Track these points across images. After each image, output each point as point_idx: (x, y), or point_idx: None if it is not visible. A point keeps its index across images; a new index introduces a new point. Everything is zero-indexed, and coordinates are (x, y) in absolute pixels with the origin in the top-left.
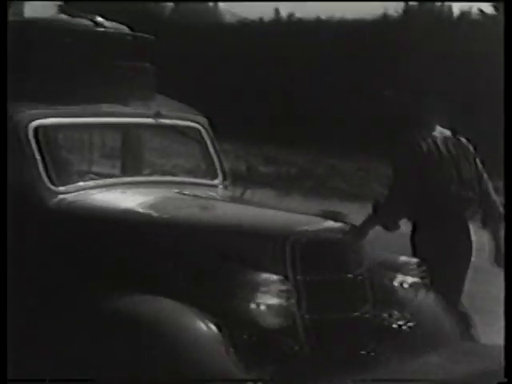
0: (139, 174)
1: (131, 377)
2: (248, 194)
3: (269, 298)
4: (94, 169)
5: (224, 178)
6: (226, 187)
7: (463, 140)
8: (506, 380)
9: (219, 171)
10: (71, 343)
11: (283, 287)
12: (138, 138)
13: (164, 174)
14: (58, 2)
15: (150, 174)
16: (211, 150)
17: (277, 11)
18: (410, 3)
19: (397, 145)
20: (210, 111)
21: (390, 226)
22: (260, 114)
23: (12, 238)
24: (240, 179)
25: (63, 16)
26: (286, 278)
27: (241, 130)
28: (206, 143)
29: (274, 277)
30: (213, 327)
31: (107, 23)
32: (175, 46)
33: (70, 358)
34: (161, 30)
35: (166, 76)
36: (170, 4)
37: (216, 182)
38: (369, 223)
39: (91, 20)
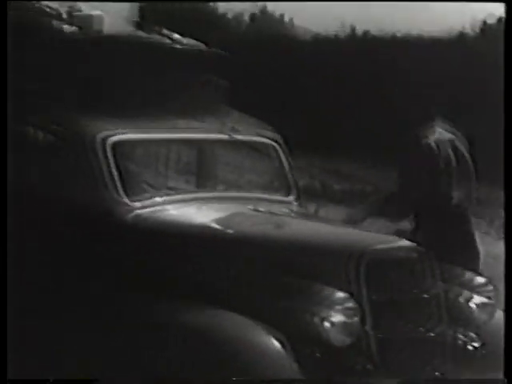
0: (214, 189)
1: None
2: (322, 211)
3: (334, 315)
4: (170, 184)
5: (298, 195)
6: (299, 204)
7: (460, 142)
8: (505, 380)
9: (293, 188)
10: (139, 357)
11: (349, 305)
12: (212, 154)
13: (238, 189)
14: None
15: (225, 190)
16: (285, 166)
17: (352, 28)
18: (488, 22)
19: (410, 146)
20: (284, 127)
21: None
22: (335, 130)
23: (87, 251)
24: (314, 196)
25: (141, 32)
26: (352, 295)
27: (315, 146)
28: (280, 159)
29: (341, 294)
30: (277, 343)
31: (184, 40)
32: (251, 62)
33: (138, 370)
34: (237, 45)
35: (242, 92)
36: (246, 19)
37: (290, 198)
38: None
39: (168, 36)
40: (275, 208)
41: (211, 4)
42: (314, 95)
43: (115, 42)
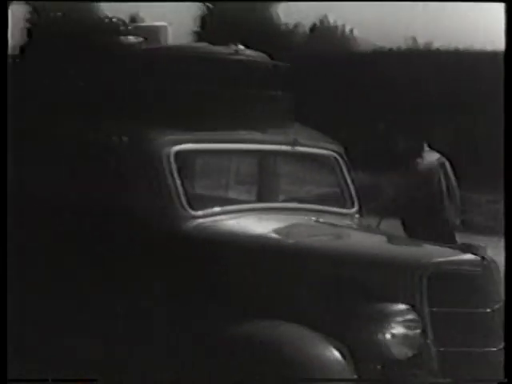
0: (274, 200)
1: None
2: (384, 223)
3: (395, 327)
4: (231, 194)
5: (359, 208)
6: (361, 216)
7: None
8: (506, 380)
9: (355, 200)
10: (196, 367)
11: (410, 317)
12: (273, 165)
13: (299, 201)
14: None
15: (286, 201)
16: (347, 178)
17: (414, 40)
18: None
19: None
20: (346, 140)
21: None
22: (396, 143)
23: (146, 258)
24: (376, 208)
25: (205, 44)
26: (414, 307)
27: (377, 159)
28: (342, 172)
29: (402, 306)
30: (338, 353)
31: (247, 51)
32: (311, 73)
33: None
34: (298, 57)
35: (304, 104)
36: (306, 31)
37: (352, 210)
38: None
39: (232, 48)
40: (336, 220)
41: (273, 14)
42: (377, 107)
43: (179, 52)
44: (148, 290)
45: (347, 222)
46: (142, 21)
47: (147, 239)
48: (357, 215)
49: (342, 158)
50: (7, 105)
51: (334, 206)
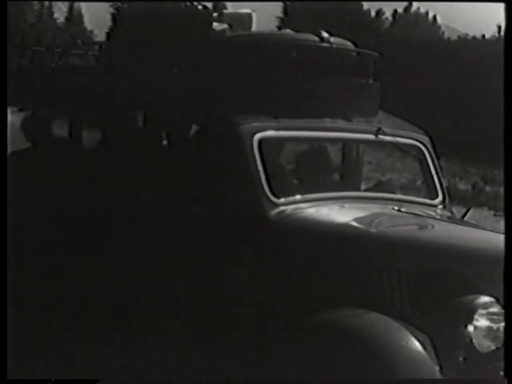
0: (357, 189)
1: None
2: (470, 214)
3: (478, 319)
4: (313, 182)
5: (444, 198)
6: (445, 207)
7: None
8: (506, 380)
9: (439, 191)
10: (277, 355)
11: (494, 310)
12: (357, 153)
13: (382, 190)
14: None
15: (368, 190)
16: (432, 169)
17: (499, 28)
18: None
19: None
20: (433, 128)
21: None
22: (479, 132)
23: (227, 242)
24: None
25: (289, 31)
26: (498, 300)
27: (458, 148)
28: (427, 162)
29: (486, 298)
30: (419, 344)
31: (332, 39)
32: (395, 61)
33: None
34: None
35: (390, 92)
36: (389, 18)
37: (436, 201)
38: None
39: (317, 35)
40: (419, 210)
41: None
42: (463, 95)
43: (264, 40)
44: (227, 278)
45: (430, 212)
46: (226, 8)
47: (230, 226)
48: (440, 206)
49: (426, 147)
50: (7, 105)
51: (418, 196)
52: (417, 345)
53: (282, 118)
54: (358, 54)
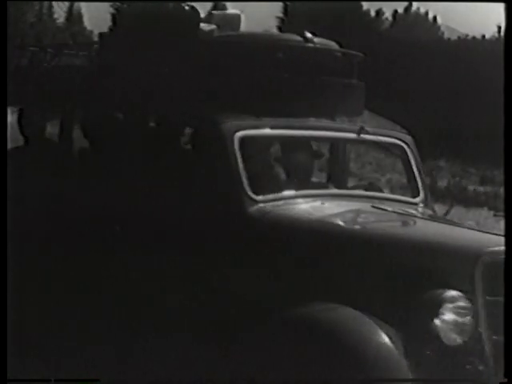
0: (343, 187)
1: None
2: (453, 213)
3: (445, 313)
4: (293, 180)
5: (426, 197)
6: (426, 205)
7: None
8: (506, 380)
9: (421, 189)
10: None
11: (461, 304)
12: (344, 152)
13: (364, 188)
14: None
15: (350, 188)
16: (414, 168)
17: (499, 28)
18: None
19: None
20: (433, 128)
21: None
22: (479, 132)
23: (212, 240)
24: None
25: (274, 31)
26: (466, 294)
27: (458, 148)
28: (409, 161)
29: (453, 292)
30: (387, 338)
31: (316, 39)
32: (392, 61)
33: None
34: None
35: (390, 92)
36: (388, 18)
37: (417, 200)
38: None
39: (301, 35)
40: (401, 208)
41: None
42: (461, 96)
43: (249, 40)
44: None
45: (412, 210)
46: (224, 8)
47: (210, 222)
48: (421, 204)
49: (409, 146)
50: (7, 105)
51: (400, 194)
52: (386, 339)
53: (265, 117)
54: (343, 54)
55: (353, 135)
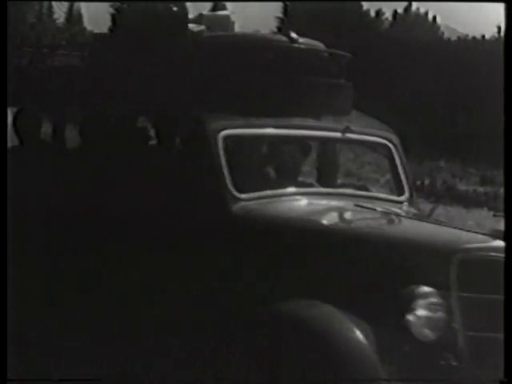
0: (328, 186)
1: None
2: (439, 211)
3: (418, 309)
4: (278, 179)
5: (410, 195)
6: (411, 204)
7: None
8: (506, 380)
9: (406, 188)
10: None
11: (434, 300)
12: (333, 152)
13: (347, 186)
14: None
15: (334, 187)
16: (399, 167)
17: (499, 28)
18: None
19: None
20: (433, 128)
21: None
22: (479, 133)
23: (195, 237)
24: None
25: (261, 32)
26: (439, 291)
27: (458, 148)
28: (394, 160)
29: (426, 289)
30: (361, 334)
31: (303, 40)
32: (395, 62)
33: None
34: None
35: (390, 92)
36: (388, 18)
37: (402, 198)
38: None
39: (287, 36)
40: (384, 206)
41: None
42: (461, 96)
43: (237, 40)
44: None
45: (395, 208)
46: (224, 8)
47: (201, 217)
48: (406, 203)
49: (394, 146)
50: (7, 104)
51: (384, 192)
52: (360, 336)
53: (250, 116)
54: (330, 54)
55: (338, 134)
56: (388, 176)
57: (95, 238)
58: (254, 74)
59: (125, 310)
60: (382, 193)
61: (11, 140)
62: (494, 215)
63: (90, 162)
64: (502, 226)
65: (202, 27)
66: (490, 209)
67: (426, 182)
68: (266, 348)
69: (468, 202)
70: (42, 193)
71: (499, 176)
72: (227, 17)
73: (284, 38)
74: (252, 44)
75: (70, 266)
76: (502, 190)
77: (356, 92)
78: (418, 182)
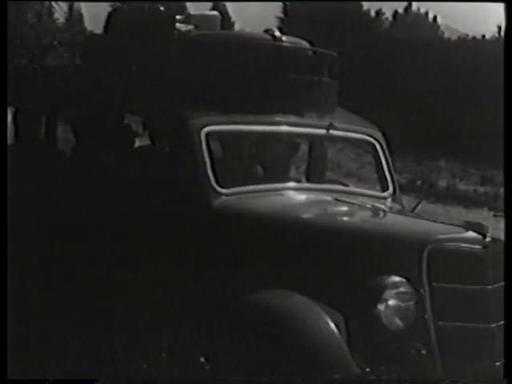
0: (310, 181)
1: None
2: (423, 207)
3: (388, 299)
4: (261, 174)
5: (394, 191)
6: (394, 199)
7: None
8: (505, 380)
9: (390, 184)
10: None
11: (404, 289)
12: (322, 149)
13: (330, 182)
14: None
15: (317, 182)
16: (384, 163)
17: (499, 28)
18: None
19: None
20: (432, 128)
21: None
22: (479, 133)
23: (177, 230)
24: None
25: (245, 30)
26: (409, 280)
27: (458, 148)
28: (379, 156)
29: (396, 278)
30: (332, 323)
31: (287, 38)
32: (395, 61)
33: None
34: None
35: (389, 92)
36: (388, 18)
37: (386, 193)
38: None
39: (270, 34)
40: (366, 201)
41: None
42: (461, 96)
43: (221, 39)
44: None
45: (378, 204)
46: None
47: (184, 212)
48: (389, 198)
49: (379, 142)
50: (7, 104)
51: (367, 188)
52: (330, 325)
53: (233, 113)
54: (314, 52)
55: (322, 131)
56: (345, 169)
57: (84, 237)
58: (237, 72)
59: (112, 308)
60: (370, 189)
61: (10, 139)
62: (494, 215)
63: (81, 162)
64: (502, 225)
65: (191, 27)
66: (490, 209)
67: (421, 182)
68: (237, 337)
69: (468, 202)
70: (37, 192)
71: (499, 176)
72: (215, 16)
73: (267, 37)
74: (236, 42)
75: (58, 265)
76: (501, 190)
77: (356, 92)
78: (419, 182)
